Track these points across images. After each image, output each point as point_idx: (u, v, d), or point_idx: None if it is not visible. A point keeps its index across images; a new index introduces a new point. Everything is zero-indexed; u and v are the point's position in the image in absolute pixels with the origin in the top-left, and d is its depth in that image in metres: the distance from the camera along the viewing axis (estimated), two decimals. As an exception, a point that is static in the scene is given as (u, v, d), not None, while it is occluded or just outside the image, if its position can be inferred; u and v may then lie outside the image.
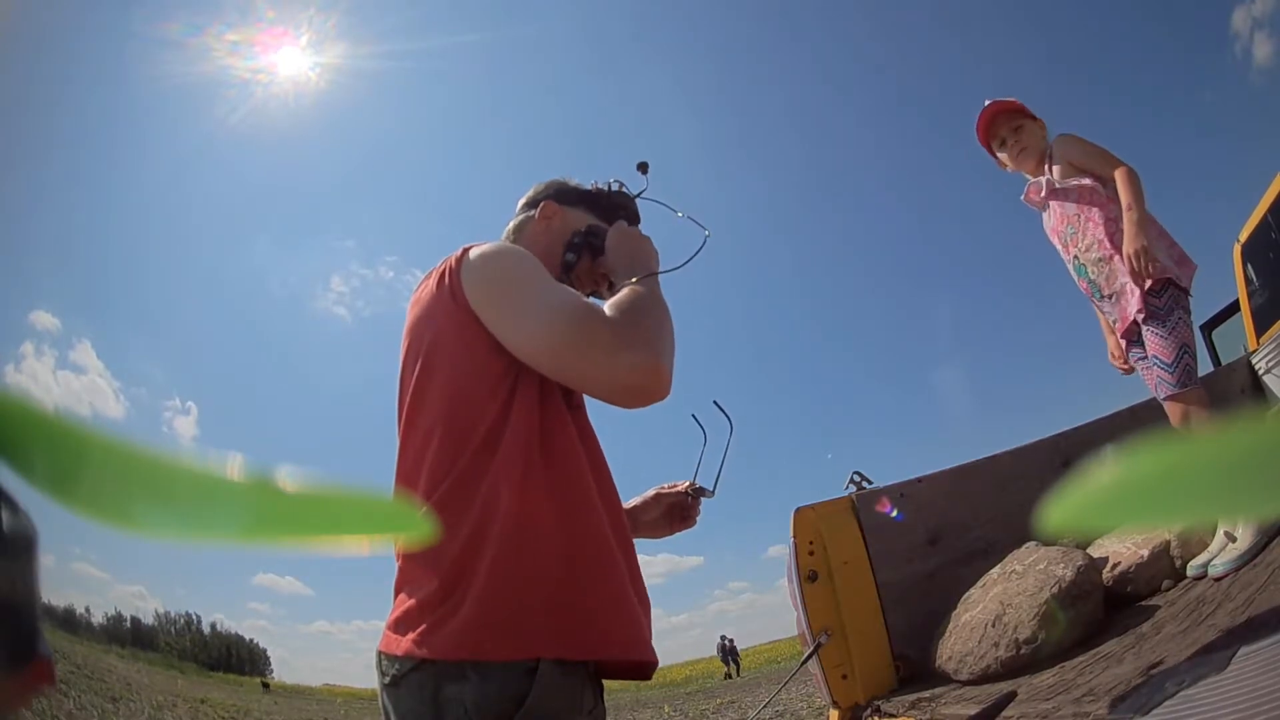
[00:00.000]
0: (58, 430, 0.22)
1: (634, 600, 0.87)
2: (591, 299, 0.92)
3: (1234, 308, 3.14)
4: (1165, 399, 1.75)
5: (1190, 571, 1.64)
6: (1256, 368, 2.45)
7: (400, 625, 0.80)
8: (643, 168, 1.09)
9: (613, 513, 0.90)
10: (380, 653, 0.82)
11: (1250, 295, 2.86)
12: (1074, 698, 1.29)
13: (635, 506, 1.20)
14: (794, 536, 2.00)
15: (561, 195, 1.09)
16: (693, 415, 1.18)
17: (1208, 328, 3.47)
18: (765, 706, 6.66)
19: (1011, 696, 1.44)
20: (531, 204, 1.09)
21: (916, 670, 1.91)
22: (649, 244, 1.02)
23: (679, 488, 1.22)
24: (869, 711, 1.82)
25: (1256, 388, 2.44)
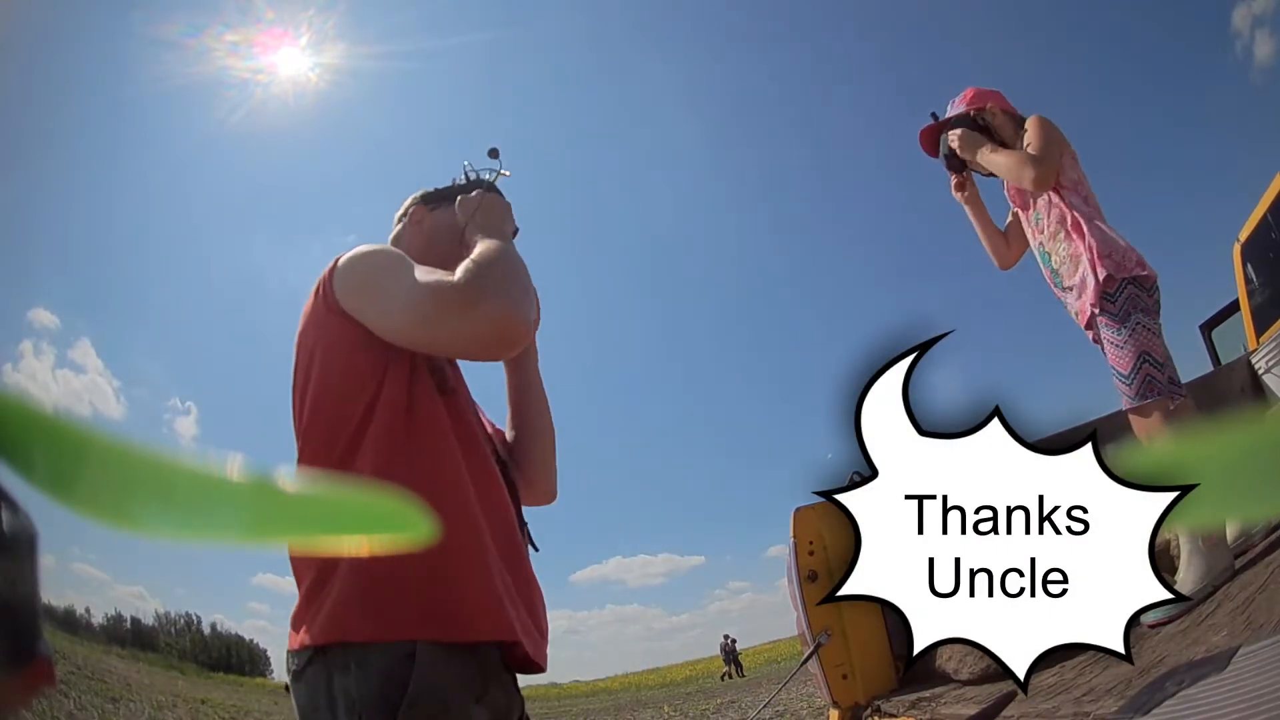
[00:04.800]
0: (58, 430, 0.22)
1: (498, 581, 0.86)
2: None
3: (1234, 307, 3.15)
4: (1127, 410, 1.63)
5: (1142, 619, 1.55)
6: (1256, 367, 2.46)
7: (294, 621, 0.84)
8: (493, 153, 1.15)
9: (486, 494, 0.91)
10: (287, 651, 0.85)
11: (1250, 295, 2.87)
12: (1074, 698, 1.29)
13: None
14: (794, 536, 2.00)
15: (426, 199, 1.15)
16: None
17: (1207, 327, 3.48)
18: (765, 706, 6.66)
19: (1011, 696, 1.44)
20: (402, 216, 1.16)
21: (916, 670, 1.92)
22: (502, 207, 1.07)
23: None
24: (869, 711, 1.82)
25: (1256, 387, 2.44)
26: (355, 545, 0.25)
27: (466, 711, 0.80)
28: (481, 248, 0.93)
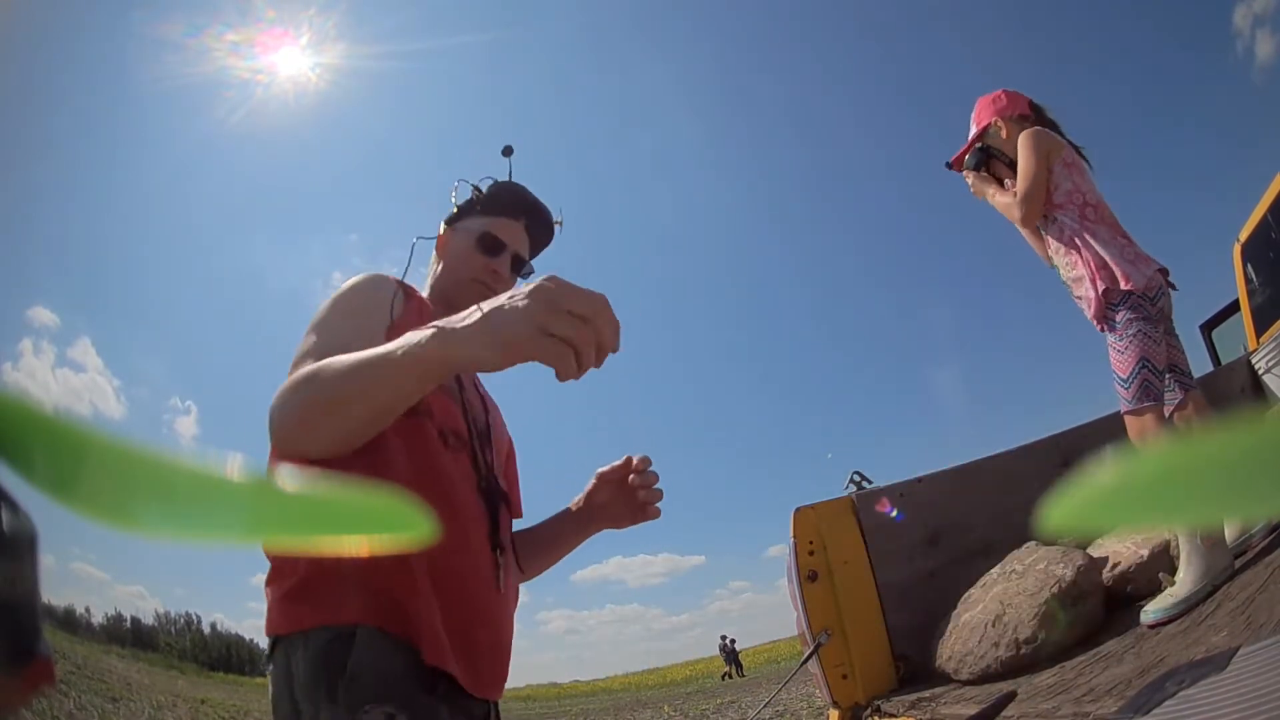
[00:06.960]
0: (58, 430, 0.22)
1: (423, 597, 0.84)
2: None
3: (1234, 307, 3.15)
4: (1123, 413, 1.70)
5: (1141, 619, 1.54)
6: (1256, 367, 2.45)
7: (267, 612, 0.89)
8: (507, 151, 1.17)
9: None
10: None
11: (1250, 295, 2.87)
12: (1074, 698, 1.29)
13: (585, 494, 1.16)
14: (794, 536, 2.00)
15: (448, 220, 1.20)
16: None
17: (1207, 327, 3.48)
18: (765, 706, 6.67)
19: (1011, 696, 1.44)
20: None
21: (916, 670, 1.92)
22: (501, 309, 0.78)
23: (618, 465, 1.14)
24: (869, 711, 1.82)
25: (1256, 387, 2.44)
26: (355, 545, 0.25)
27: (409, 695, 0.80)
28: (370, 351, 0.78)
